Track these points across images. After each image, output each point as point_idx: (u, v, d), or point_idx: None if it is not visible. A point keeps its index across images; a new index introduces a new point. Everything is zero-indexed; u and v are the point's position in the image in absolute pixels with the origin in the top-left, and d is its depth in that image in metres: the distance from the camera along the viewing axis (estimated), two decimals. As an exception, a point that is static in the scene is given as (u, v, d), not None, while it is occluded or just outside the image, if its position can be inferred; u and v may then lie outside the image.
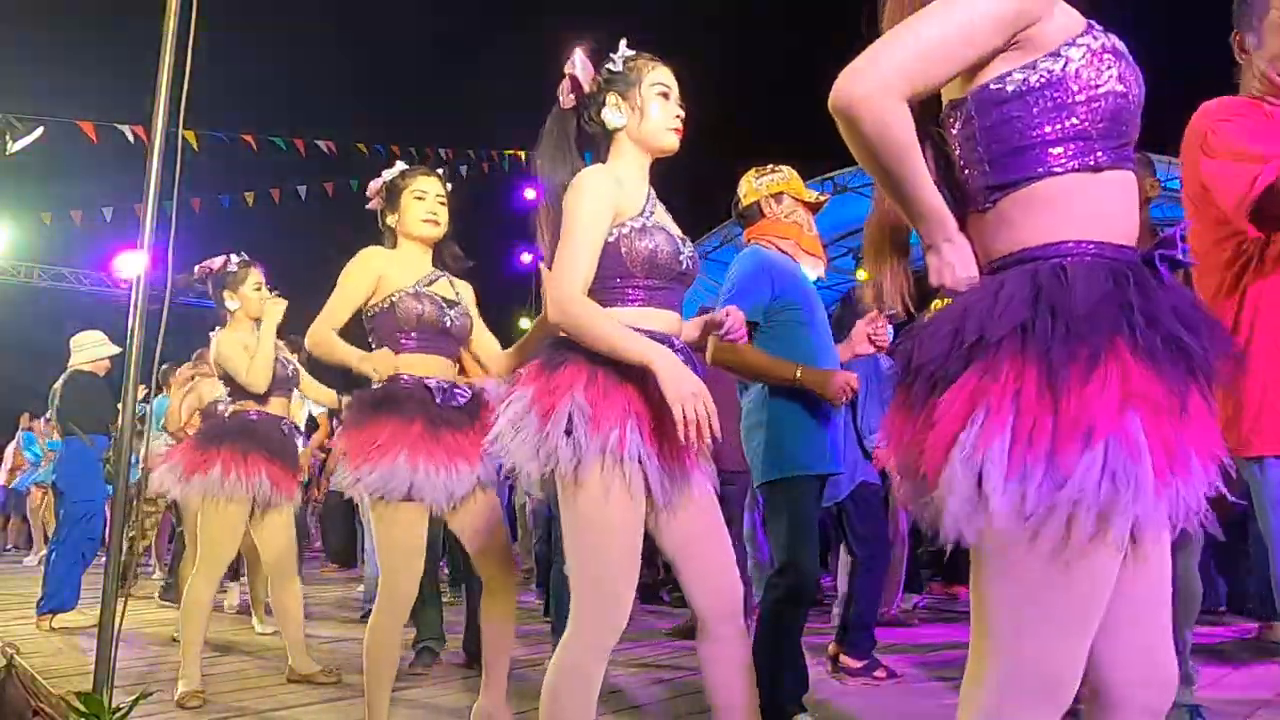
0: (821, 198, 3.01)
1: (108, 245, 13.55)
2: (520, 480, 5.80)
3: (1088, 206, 1.15)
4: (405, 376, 2.52)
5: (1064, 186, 1.15)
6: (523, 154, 11.87)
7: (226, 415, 3.66)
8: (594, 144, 1.94)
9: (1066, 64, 1.15)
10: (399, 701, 3.12)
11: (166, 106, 2.46)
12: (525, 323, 13.29)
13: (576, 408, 1.70)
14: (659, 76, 1.91)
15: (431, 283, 2.65)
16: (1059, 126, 1.15)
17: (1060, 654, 1.10)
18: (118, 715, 2.26)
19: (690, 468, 1.84)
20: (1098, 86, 1.15)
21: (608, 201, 1.79)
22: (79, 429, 5.27)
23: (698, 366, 1.83)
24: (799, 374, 2.60)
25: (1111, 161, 1.16)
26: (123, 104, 8.69)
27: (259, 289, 3.57)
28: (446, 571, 5.71)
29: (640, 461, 1.72)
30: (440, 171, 2.80)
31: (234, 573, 5.65)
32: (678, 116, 1.92)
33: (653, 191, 1.93)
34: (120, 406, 2.49)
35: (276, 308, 3.47)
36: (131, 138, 8.43)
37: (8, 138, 6.79)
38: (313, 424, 6.42)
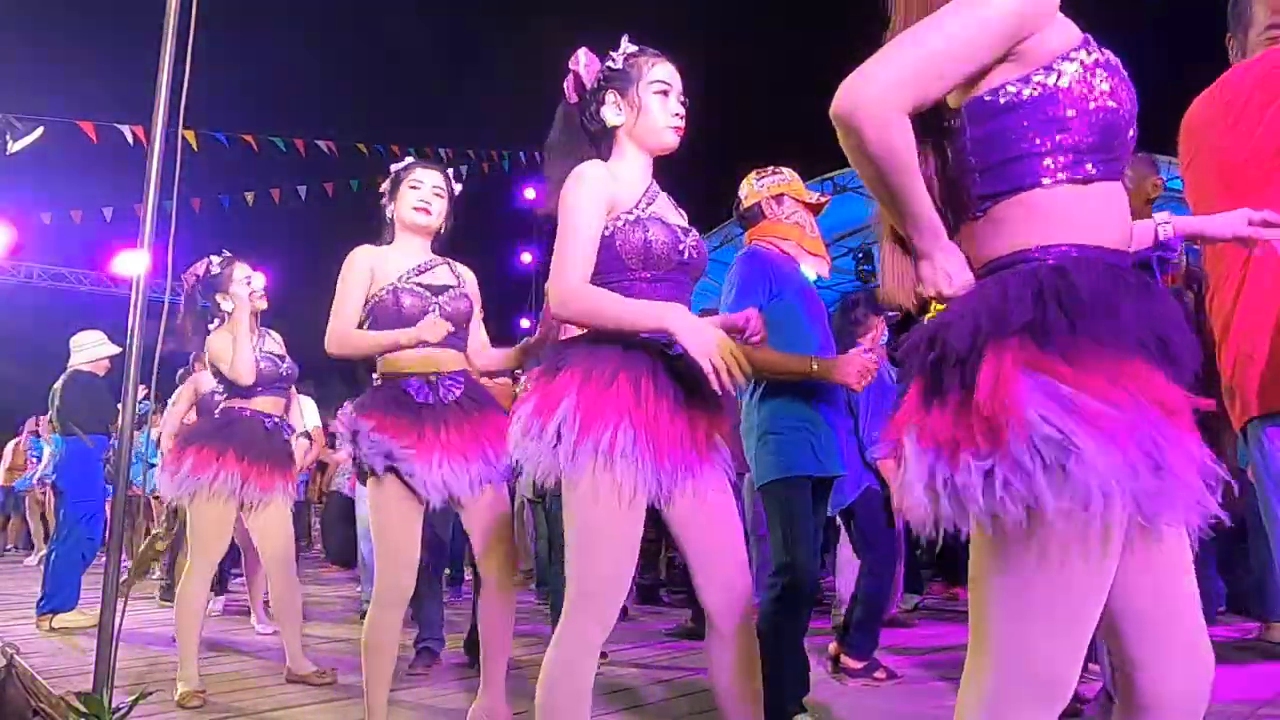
0: (822, 199, 3.00)
1: (108, 245, 13.55)
2: (520, 482, 5.81)
3: (1079, 215, 1.16)
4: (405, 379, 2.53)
5: (1054, 197, 1.17)
6: (523, 154, 11.89)
7: (217, 412, 3.66)
8: (598, 141, 1.94)
9: (1059, 78, 1.16)
10: (399, 702, 3.12)
11: (166, 106, 2.47)
12: (525, 323, 13.29)
13: (569, 411, 1.73)
14: (659, 74, 1.90)
15: (423, 271, 2.64)
16: (1050, 139, 1.16)
17: (1057, 653, 1.10)
18: (118, 715, 2.27)
19: (701, 462, 1.84)
20: (1090, 101, 1.15)
21: (601, 195, 1.79)
22: (79, 429, 5.27)
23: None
24: (814, 366, 2.60)
25: (1101, 175, 1.17)
26: (123, 104, 8.70)
27: (247, 282, 3.54)
28: (448, 572, 5.72)
29: (635, 461, 1.73)
30: (450, 171, 2.80)
31: (220, 585, 5.67)
32: (677, 115, 1.91)
33: (655, 186, 1.93)
34: (120, 406, 2.49)
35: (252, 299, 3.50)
36: (131, 138, 8.43)
37: (8, 138, 6.78)
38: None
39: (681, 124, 1.92)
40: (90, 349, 5.54)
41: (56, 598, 5.06)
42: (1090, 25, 1.22)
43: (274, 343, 3.74)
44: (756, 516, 4.61)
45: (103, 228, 10.97)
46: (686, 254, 1.89)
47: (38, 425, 10.53)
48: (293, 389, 3.96)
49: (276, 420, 3.66)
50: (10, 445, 11.30)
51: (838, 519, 3.92)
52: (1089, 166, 1.16)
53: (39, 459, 10.23)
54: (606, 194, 1.80)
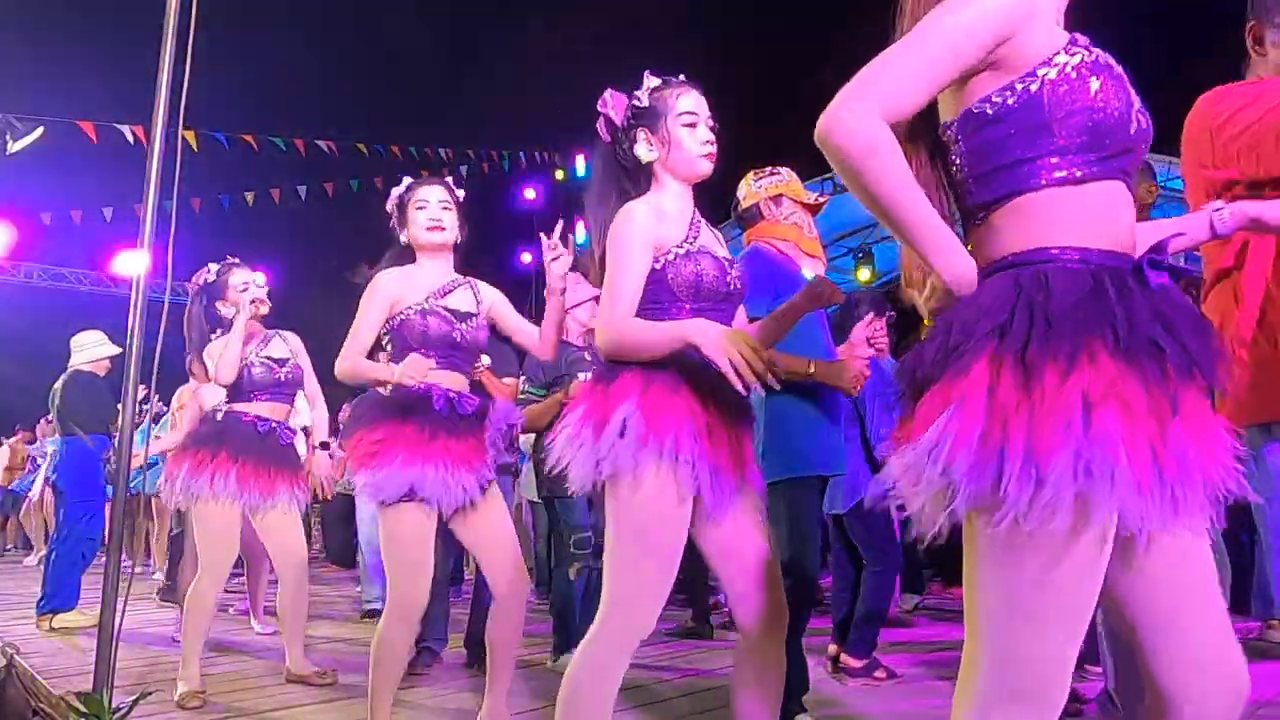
0: (821, 199, 3.01)
1: (108, 245, 13.56)
2: (520, 483, 5.80)
3: (1072, 215, 1.16)
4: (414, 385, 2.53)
5: (1045, 200, 1.17)
6: (523, 154, 11.89)
7: (218, 418, 3.61)
8: (635, 177, 1.97)
9: (1041, 85, 1.16)
10: (399, 701, 3.11)
11: (166, 106, 2.47)
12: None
13: (633, 413, 1.75)
14: (685, 105, 1.93)
15: (448, 293, 2.63)
16: (1036, 145, 1.17)
17: (1048, 653, 1.10)
18: (118, 715, 2.27)
19: (742, 479, 1.87)
20: (1074, 103, 1.16)
21: (648, 233, 1.84)
22: (79, 429, 5.27)
23: None
24: (812, 368, 2.61)
25: (1096, 173, 1.17)
26: (123, 104, 8.71)
27: (244, 289, 3.51)
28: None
29: (693, 465, 1.75)
30: (449, 179, 2.80)
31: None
32: (708, 142, 1.94)
33: (698, 215, 1.96)
34: (120, 406, 2.49)
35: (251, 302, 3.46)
36: (131, 138, 8.44)
37: (8, 138, 6.80)
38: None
39: (713, 149, 1.95)
40: (91, 349, 5.54)
41: (56, 598, 5.06)
42: (1087, 24, 1.22)
43: (281, 347, 3.68)
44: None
45: (103, 228, 11.00)
46: (732, 285, 1.93)
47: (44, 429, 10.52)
48: (300, 393, 3.86)
49: (273, 424, 3.59)
50: (8, 444, 11.30)
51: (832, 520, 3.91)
52: (1079, 167, 1.17)
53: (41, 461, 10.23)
54: (653, 232, 1.84)
